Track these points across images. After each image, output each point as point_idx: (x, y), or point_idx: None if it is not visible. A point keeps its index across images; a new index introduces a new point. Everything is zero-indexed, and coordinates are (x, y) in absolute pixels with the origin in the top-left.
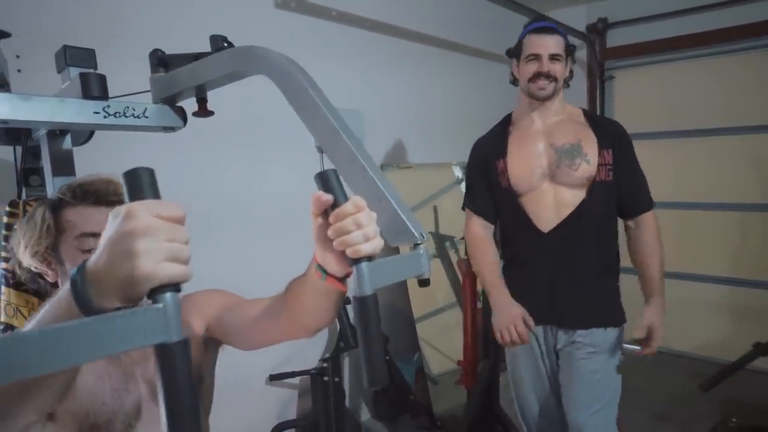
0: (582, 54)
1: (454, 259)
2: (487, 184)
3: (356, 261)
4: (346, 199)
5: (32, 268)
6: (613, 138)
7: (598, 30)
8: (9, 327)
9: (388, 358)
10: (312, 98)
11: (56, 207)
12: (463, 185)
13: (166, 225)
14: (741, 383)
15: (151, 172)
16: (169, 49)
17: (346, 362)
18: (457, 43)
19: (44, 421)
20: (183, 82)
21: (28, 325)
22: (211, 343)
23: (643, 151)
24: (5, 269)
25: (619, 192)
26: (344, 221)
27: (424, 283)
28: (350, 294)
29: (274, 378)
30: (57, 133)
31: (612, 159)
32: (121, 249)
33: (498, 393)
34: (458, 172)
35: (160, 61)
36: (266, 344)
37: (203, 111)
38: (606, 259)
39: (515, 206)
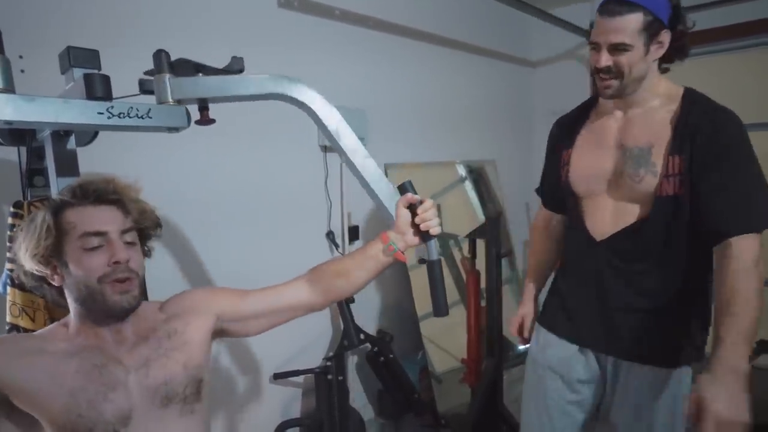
0: (586, 52)
1: (457, 257)
2: (555, 169)
3: (430, 237)
4: (421, 199)
5: (35, 272)
6: (691, 140)
7: None
8: (14, 327)
9: (392, 356)
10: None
11: (57, 209)
12: (467, 183)
13: None
14: (751, 385)
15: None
16: (173, 47)
17: (350, 361)
18: (461, 41)
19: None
20: (193, 92)
21: None
22: (214, 336)
23: None
24: (10, 270)
25: (702, 209)
26: (429, 212)
27: (422, 261)
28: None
29: (279, 376)
30: (61, 133)
31: (685, 167)
32: None
33: (502, 391)
34: (462, 171)
35: (166, 63)
36: (282, 323)
37: (205, 119)
38: (678, 291)
39: (573, 203)
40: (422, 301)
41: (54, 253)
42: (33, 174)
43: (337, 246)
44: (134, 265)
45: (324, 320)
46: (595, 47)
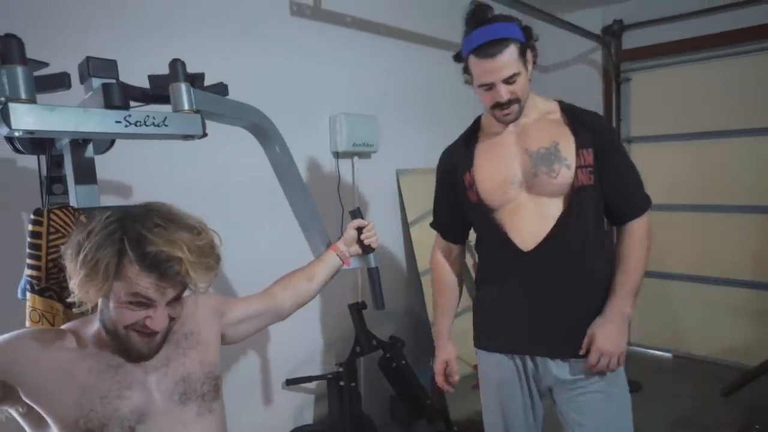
0: (597, 56)
1: (470, 263)
2: (453, 200)
3: (371, 250)
4: (365, 223)
5: (72, 298)
6: (593, 134)
7: (614, 32)
8: None
9: (404, 362)
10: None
11: (122, 254)
12: None
13: None
14: (764, 388)
15: None
16: (188, 56)
17: (362, 367)
18: None
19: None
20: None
21: None
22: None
23: (660, 154)
24: (30, 276)
25: (609, 197)
26: (371, 232)
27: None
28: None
29: (291, 382)
30: (80, 142)
31: (593, 159)
32: None
33: None
34: None
35: (182, 71)
36: (263, 328)
37: None
38: (601, 277)
39: (489, 223)
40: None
41: (101, 294)
42: (52, 182)
43: None
44: (167, 323)
45: (336, 326)
46: (489, 87)
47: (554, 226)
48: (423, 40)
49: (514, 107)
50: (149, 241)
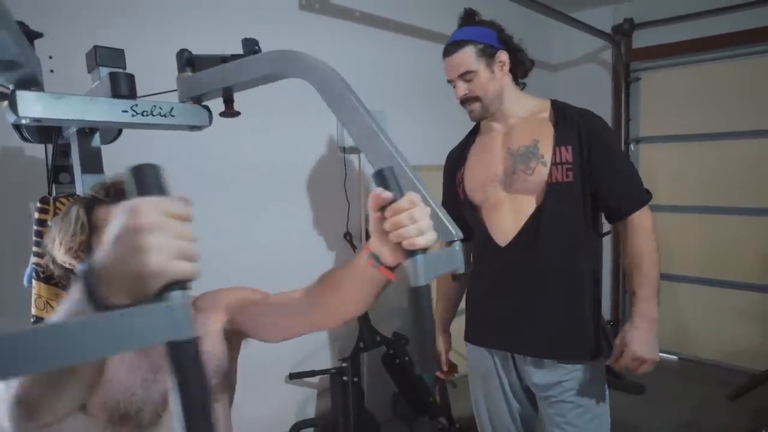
0: (607, 55)
1: None
2: (456, 198)
3: (412, 253)
4: (402, 194)
5: (66, 265)
6: (576, 132)
7: (624, 31)
8: (39, 319)
9: (407, 358)
10: (352, 103)
11: (90, 205)
12: None
13: (174, 222)
14: None
15: (158, 169)
16: (196, 49)
17: (365, 362)
18: None
19: (75, 412)
20: (213, 82)
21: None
22: (235, 338)
23: (670, 154)
24: (36, 264)
25: (600, 194)
26: (400, 216)
27: (458, 277)
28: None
29: (294, 377)
30: (86, 131)
31: (572, 156)
32: (130, 245)
33: None
34: None
35: (188, 61)
36: (291, 336)
37: (230, 111)
38: (578, 277)
39: (474, 219)
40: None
41: (85, 248)
42: (59, 171)
43: (354, 247)
44: None
45: None
46: (452, 83)
47: (526, 222)
48: (432, 36)
49: (476, 105)
50: (105, 184)
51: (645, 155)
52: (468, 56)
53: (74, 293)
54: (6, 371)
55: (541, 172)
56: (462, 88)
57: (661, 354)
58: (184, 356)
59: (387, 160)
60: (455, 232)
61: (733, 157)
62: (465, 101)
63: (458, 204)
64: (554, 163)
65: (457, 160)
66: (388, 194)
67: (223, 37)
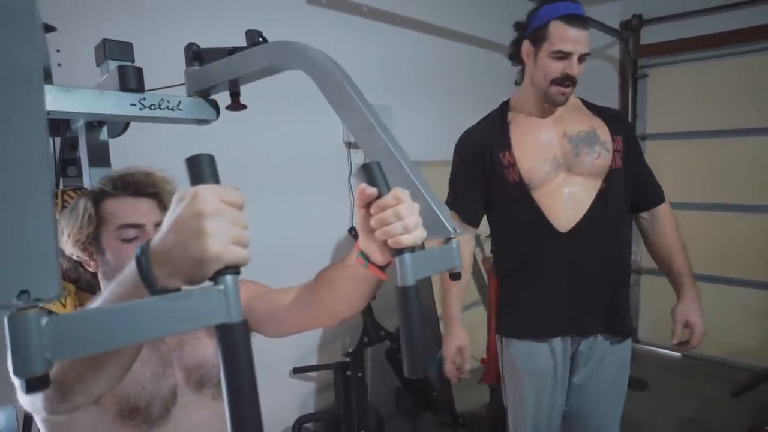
0: (615, 51)
1: (479, 257)
2: (479, 181)
3: (398, 252)
4: (389, 190)
5: (74, 257)
6: (621, 125)
7: (632, 27)
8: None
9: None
10: (349, 94)
11: (97, 198)
12: None
13: (231, 209)
14: None
15: (212, 158)
16: (204, 44)
17: (369, 357)
18: (486, 39)
19: (92, 403)
20: (218, 75)
21: (94, 304)
22: None
23: (676, 151)
24: None
25: (637, 183)
26: (385, 213)
27: (455, 276)
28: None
29: (298, 371)
30: (94, 124)
31: (621, 146)
32: (190, 229)
33: None
34: None
35: (195, 54)
36: (292, 332)
37: (236, 105)
38: (625, 258)
39: (527, 204)
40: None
41: (93, 241)
42: (66, 164)
43: None
44: None
45: None
46: (565, 56)
47: (591, 206)
48: (439, 31)
49: (570, 90)
50: (113, 176)
51: (651, 152)
52: (589, 41)
53: (126, 276)
54: (74, 349)
55: (605, 158)
56: (577, 67)
57: (664, 350)
58: (234, 339)
59: (383, 153)
60: (452, 228)
61: (740, 155)
62: (569, 80)
63: (494, 187)
64: (614, 151)
65: (495, 141)
66: (372, 190)
67: (231, 32)
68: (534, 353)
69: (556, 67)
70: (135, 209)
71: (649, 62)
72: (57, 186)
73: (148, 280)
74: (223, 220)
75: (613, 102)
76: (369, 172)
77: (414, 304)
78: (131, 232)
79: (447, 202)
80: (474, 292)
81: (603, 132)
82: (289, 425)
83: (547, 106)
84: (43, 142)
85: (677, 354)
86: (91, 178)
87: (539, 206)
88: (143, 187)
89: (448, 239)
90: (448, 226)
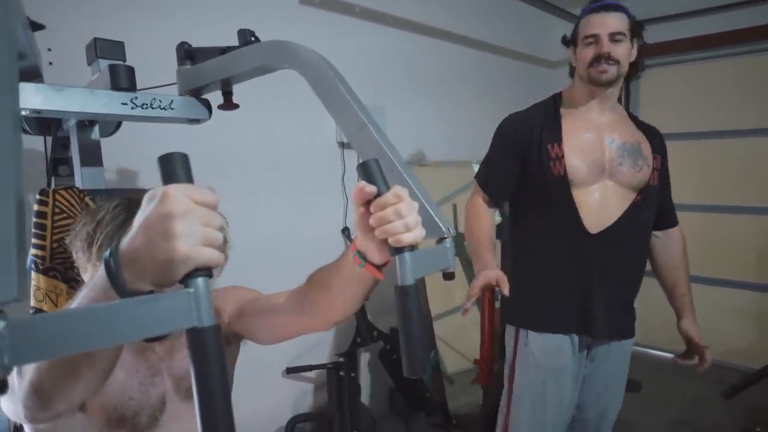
0: None
1: None
2: (516, 167)
3: (398, 250)
4: (388, 188)
5: (78, 257)
6: (660, 144)
7: None
8: (39, 311)
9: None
10: (341, 94)
11: (124, 223)
12: None
13: (201, 209)
14: (766, 391)
15: (185, 157)
16: (196, 43)
17: (362, 358)
18: (480, 40)
19: (75, 411)
20: (210, 75)
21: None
22: (234, 339)
23: (671, 152)
24: (35, 255)
25: (664, 203)
26: (385, 211)
27: (449, 276)
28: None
29: (291, 371)
30: (86, 123)
31: (660, 165)
32: (158, 230)
33: None
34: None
35: (187, 54)
36: (284, 338)
37: (228, 104)
38: (643, 267)
39: (565, 200)
40: (436, 301)
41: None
42: (58, 163)
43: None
44: None
45: None
46: (595, 39)
47: (624, 214)
48: (431, 32)
49: (612, 68)
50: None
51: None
52: (623, 21)
53: (96, 279)
54: (35, 354)
55: (645, 173)
56: (607, 45)
57: (656, 352)
58: (205, 344)
59: (376, 153)
60: (445, 228)
61: (734, 156)
62: (605, 59)
63: (535, 176)
64: (653, 168)
65: (545, 130)
66: (372, 188)
67: (223, 32)
68: (556, 347)
69: (589, 52)
70: None
71: (644, 63)
72: (49, 185)
73: (116, 282)
74: (193, 221)
75: None
76: (368, 170)
77: (414, 303)
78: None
79: (477, 179)
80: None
81: (646, 147)
82: (282, 425)
83: (597, 113)
84: (8, 138)
85: (669, 355)
86: (82, 176)
87: (575, 204)
88: None
89: (442, 239)
90: (441, 225)
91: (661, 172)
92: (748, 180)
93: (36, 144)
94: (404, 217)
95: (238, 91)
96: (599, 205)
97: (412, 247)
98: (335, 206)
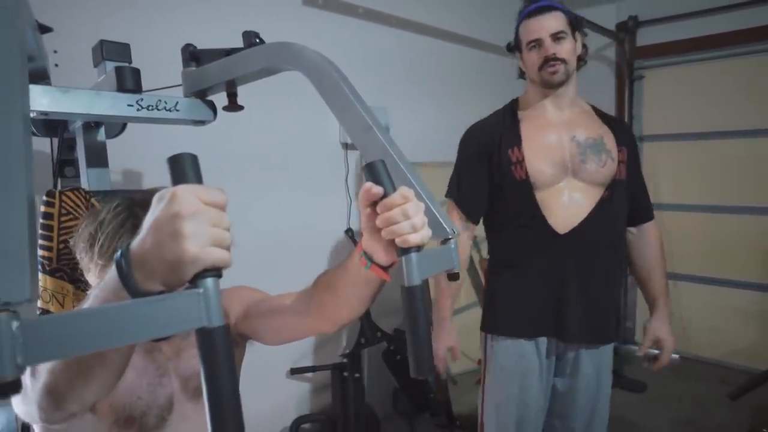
0: (611, 53)
1: (476, 258)
2: (485, 178)
3: (405, 251)
4: (395, 189)
5: (81, 259)
6: (626, 136)
7: (628, 28)
8: (45, 312)
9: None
10: (346, 95)
11: (135, 228)
12: None
13: (210, 210)
14: None
15: (194, 158)
16: (201, 45)
17: (366, 358)
18: (483, 40)
19: (86, 410)
20: (215, 76)
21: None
22: (240, 339)
23: (672, 153)
24: (42, 256)
25: (632, 195)
26: (392, 212)
27: (453, 277)
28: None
29: (295, 372)
30: (92, 125)
31: (626, 157)
32: (167, 231)
33: None
34: None
35: (192, 55)
36: (290, 339)
37: (233, 105)
38: (620, 265)
39: (529, 203)
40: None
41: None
42: (64, 164)
43: (355, 244)
44: None
45: None
46: (537, 43)
47: (590, 213)
48: (434, 32)
49: (561, 67)
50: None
51: (648, 153)
52: (561, 20)
53: (108, 280)
54: (47, 353)
55: (611, 167)
56: (552, 46)
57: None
58: (215, 344)
59: (381, 153)
60: (450, 229)
61: (737, 156)
62: (551, 60)
63: (499, 184)
64: (619, 161)
65: (504, 137)
66: (378, 189)
67: (227, 33)
68: (522, 353)
69: (534, 57)
70: None
71: (646, 64)
72: (55, 186)
73: (128, 283)
74: (202, 221)
75: (609, 103)
76: (374, 171)
77: (420, 303)
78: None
79: (450, 196)
80: (471, 294)
81: (609, 141)
82: (286, 426)
83: (556, 110)
84: (20, 141)
85: (674, 356)
86: (89, 178)
87: (540, 206)
88: None
89: (446, 240)
90: (446, 226)
91: (629, 164)
92: (752, 180)
93: (42, 146)
94: (411, 218)
95: (242, 92)
96: (566, 204)
97: (419, 248)
98: (338, 207)
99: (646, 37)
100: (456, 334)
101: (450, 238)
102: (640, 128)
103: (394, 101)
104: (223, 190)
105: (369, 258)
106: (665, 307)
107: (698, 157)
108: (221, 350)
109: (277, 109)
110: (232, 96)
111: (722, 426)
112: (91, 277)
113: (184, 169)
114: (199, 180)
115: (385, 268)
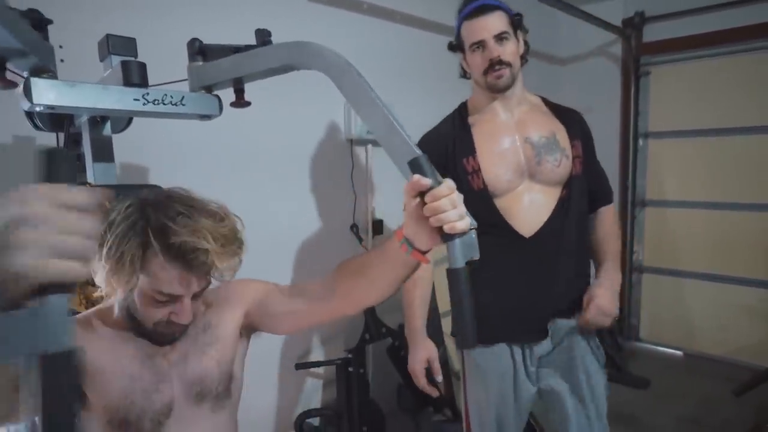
0: (617, 49)
1: None
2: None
3: (450, 237)
4: (439, 182)
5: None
6: (579, 127)
7: (634, 24)
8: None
9: None
10: (370, 96)
11: (146, 246)
12: None
13: (61, 214)
14: None
15: (64, 153)
16: (205, 39)
17: (371, 353)
18: None
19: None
20: (225, 72)
21: None
22: (245, 333)
23: (678, 150)
24: None
25: (593, 187)
26: (441, 201)
27: (473, 264)
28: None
29: (300, 367)
30: (98, 119)
31: (580, 151)
32: (1, 240)
33: None
34: None
35: (199, 50)
36: (309, 326)
37: (240, 101)
38: (587, 261)
39: (490, 210)
40: (444, 298)
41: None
42: None
43: (361, 240)
44: (191, 318)
45: None
46: (480, 45)
47: (554, 211)
48: (440, 29)
49: (506, 71)
50: (173, 231)
51: (653, 150)
52: (503, 19)
53: None
54: None
55: (566, 166)
56: (496, 48)
57: (665, 349)
58: (53, 370)
59: (407, 151)
60: (471, 221)
61: (743, 153)
62: (497, 64)
63: (462, 193)
64: (573, 157)
65: (458, 145)
66: (427, 181)
67: (231, 27)
68: (493, 355)
69: (478, 60)
70: (178, 281)
71: (652, 60)
72: None
73: None
74: (45, 228)
75: (615, 100)
76: (419, 165)
77: (464, 284)
78: (166, 298)
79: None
80: None
81: (562, 137)
82: (291, 420)
83: (505, 112)
84: None
85: (679, 353)
86: (94, 172)
87: (501, 212)
88: (199, 266)
89: (469, 230)
90: (468, 218)
91: (585, 157)
92: (758, 177)
93: (48, 140)
94: (457, 207)
95: (248, 88)
96: (527, 208)
97: (462, 234)
98: (344, 203)
99: (652, 33)
100: (433, 346)
101: (472, 228)
102: (646, 125)
103: (398, 97)
104: (91, 190)
105: (410, 244)
106: (610, 274)
107: (704, 154)
108: (61, 379)
109: (283, 105)
110: (239, 92)
111: (727, 422)
112: (97, 277)
113: (47, 166)
114: (66, 179)
115: (423, 253)
